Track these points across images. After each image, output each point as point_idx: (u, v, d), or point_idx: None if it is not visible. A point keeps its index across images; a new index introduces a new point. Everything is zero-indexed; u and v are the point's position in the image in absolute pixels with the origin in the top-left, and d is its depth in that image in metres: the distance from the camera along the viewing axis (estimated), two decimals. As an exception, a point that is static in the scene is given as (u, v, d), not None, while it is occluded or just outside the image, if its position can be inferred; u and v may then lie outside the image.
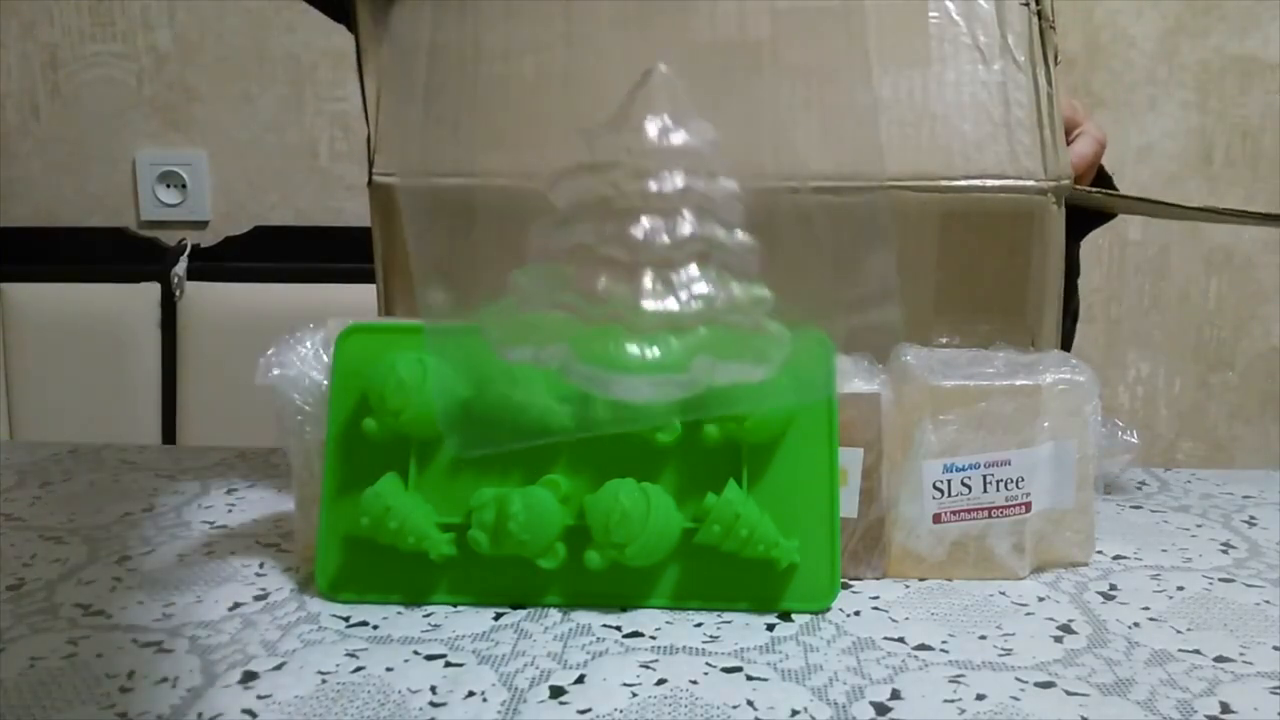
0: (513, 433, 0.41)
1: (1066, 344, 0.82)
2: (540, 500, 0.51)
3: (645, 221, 0.32)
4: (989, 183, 0.62)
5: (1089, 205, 0.71)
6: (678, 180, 0.33)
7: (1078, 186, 0.64)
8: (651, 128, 0.33)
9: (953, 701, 0.44)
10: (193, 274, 1.61)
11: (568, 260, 0.35)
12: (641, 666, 0.47)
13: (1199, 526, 0.65)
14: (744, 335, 0.35)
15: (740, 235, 0.35)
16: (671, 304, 0.32)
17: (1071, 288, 0.83)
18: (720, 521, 0.51)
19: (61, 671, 0.46)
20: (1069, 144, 0.70)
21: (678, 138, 0.34)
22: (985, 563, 0.56)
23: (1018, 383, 0.55)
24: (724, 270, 0.34)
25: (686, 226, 0.33)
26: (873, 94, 0.59)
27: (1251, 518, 0.67)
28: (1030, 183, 0.62)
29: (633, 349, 0.32)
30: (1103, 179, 0.77)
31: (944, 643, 0.49)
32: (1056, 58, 0.66)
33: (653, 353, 0.32)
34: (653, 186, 0.33)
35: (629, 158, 0.34)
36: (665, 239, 0.32)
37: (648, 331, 0.32)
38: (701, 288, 0.33)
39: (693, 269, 0.33)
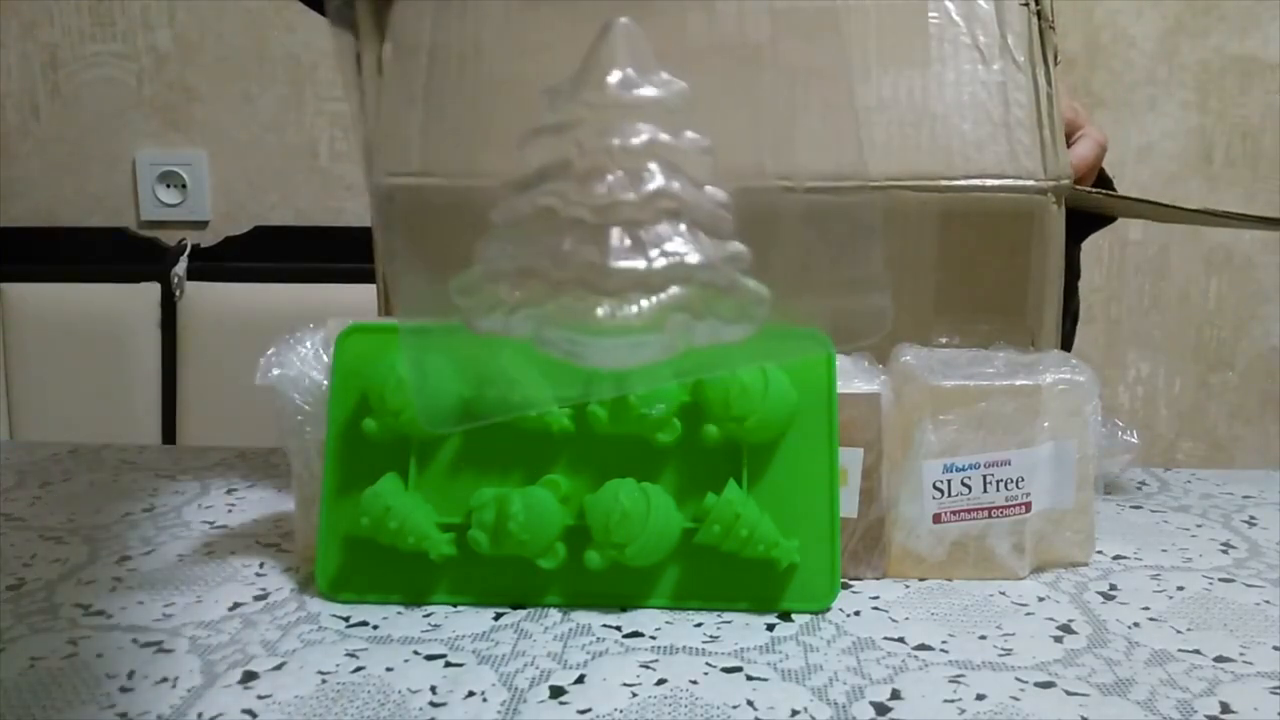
0: (499, 407, 0.40)
1: (1066, 346, 0.82)
2: (540, 500, 0.51)
3: (610, 179, 0.31)
4: (989, 182, 0.62)
5: (1088, 206, 0.71)
6: (642, 134, 0.32)
7: (1077, 187, 0.65)
8: (613, 81, 0.32)
9: (953, 701, 0.44)
10: (193, 274, 1.62)
11: (533, 224, 0.34)
12: (641, 666, 0.47)
13: (1199, 526, 0.65)
14: (720, 293, 0.33)
15: (711, 190, 0.33)
16: (640, 263, 0.31)
17: (1071, 290, 0.83)
18: (720, 521, 0.51)
19: (61, 671, 0.46)
20: (1070, 146, 0.70)
21: (642, 90, 0.32)
22: (985, 563, 0.56)
23: (1018, 383, 0.55)
24: (695, 227, 0.33)
25: (653, 182, 0.32)
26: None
27: (1251, 518, 0.67)
28: (1030, 182, 0.62)
29: (602, 310, 0.31)
30: (1103, 182, 0.77)
31: (944, 643, 0.49)
32: (1056, 58, 0.66)
33: (624, 313, 0.31)
34: (616, 142, 0.32)
35: (591, 114, 0.32)
36: (631, 195, 0.31)
37: (618, 292, 0.31)
38: (672, 245, 0.32)
39: (662, 227, 0.32)
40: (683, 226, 0.33)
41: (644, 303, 0.31)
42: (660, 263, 0.31)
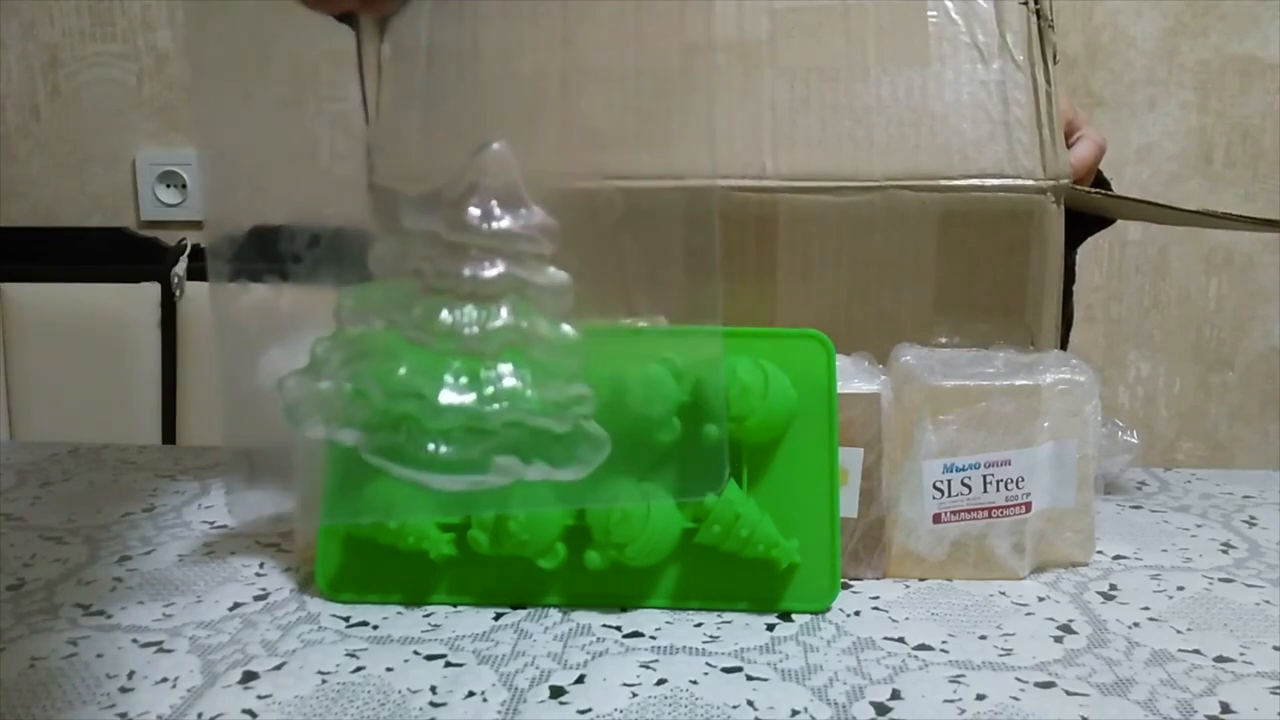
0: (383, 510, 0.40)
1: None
2: (540, 500, 0.51)
3: (456, 310, 0.30)
4: (988, 182, 0.62)
5: (1087, 207, 0.71)
6: (497, 267, 0.31)
7: (1076, 186, 0.65)
8: (474, 211, 0.31)
9: (953, 701, 0.44)
10: (193, 274, 1.61)
11: (367, 341, 0.33)
12: (641, 666, 0.47)
13: (1199, 526, 0.65)
14: (555, 438, 0.32)
15: (565, 329, 0.32)
16: (472, 400, 0.29)
17: (1066, 294, 0.82)
18: (720, 521, 0.51)
19: (61, 671, 0.46)
20: (1069, 147, 0.70)
21: (502, 223, 0.31)
22: (985, 563, 0.56)
23: (1018, 383, 0.55)
24: (539, 368, 0.32)
25: (500, 318, 0.31)
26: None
27: (1251, 518, 0.67)
28: (1029, 182, 0.62)
29: (428, 446, 0.30)
30: (1100, 183, 0.77)
31: (944, 643, 0.49)
32: (1055, 57, 0.66)
33: (445, 450, 0.29)
34: (467, 272, 0.30)
35: (446, 233, 0.31)
36: (475, 330, 0.30)
37: (444, 429, 0.30)
38: (510, 383, 0.31)
39: (504, 366, 0.30)
40: (526, 369, 0.32)
41: (467, 446, 0.30)
42: (496, 406, 0.30)
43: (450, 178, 0.31)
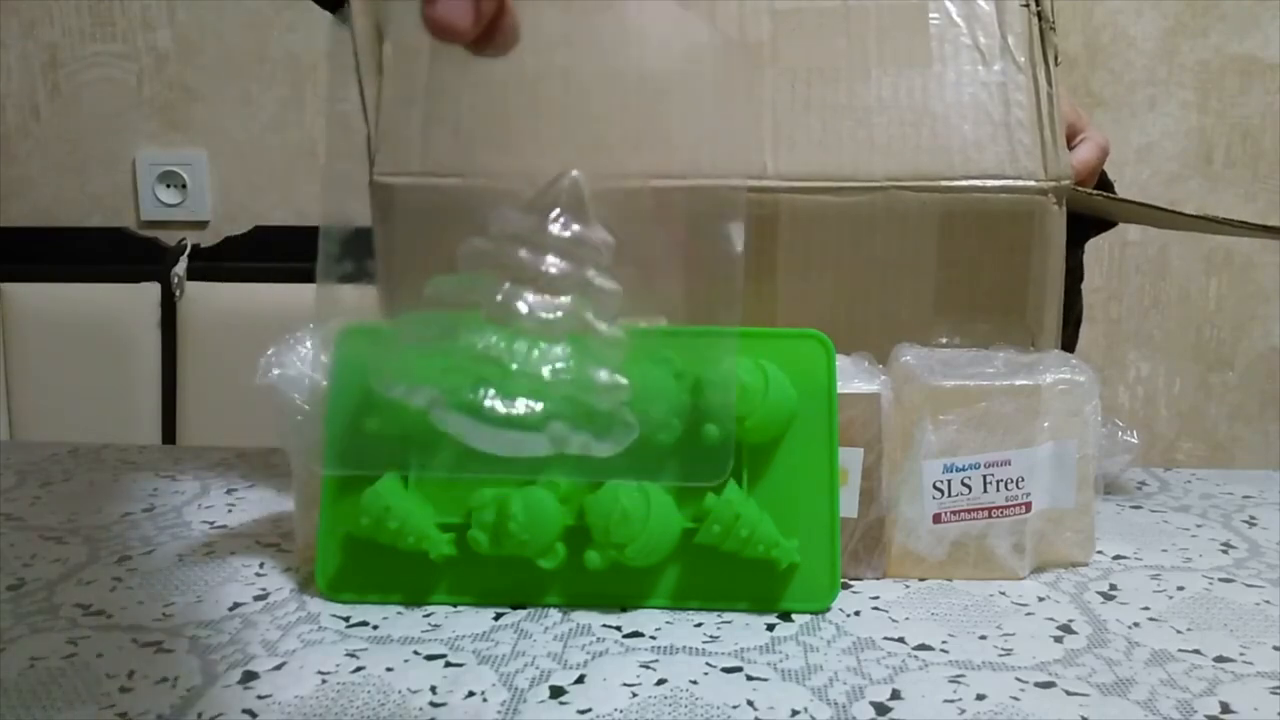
0: (390, 459, 0.45)
1: (1069, 349, 0.82)
2: (540, 500, 0.51)
3: (530, 297, 0.37)
4: (989, 183, 0.62)
5: (1087, 209, 0.71)
6: (564, 265, 0.38)
7: (1078, 188, 0.65)
8: (554, 219, 0.38)
9: (953, 701, 0.44)
10: (193, 274, 1.62)
11: (462, 308, 0.39)
12: (641, 666, 0.47)
13: (1199, 526, 0.65)
14: (598, 413, 0.39)
15: (612, 328, 0.39)
16: (539, 373, 0.36)
17: (1075, 293, 0.83)
18: (720, 521, 0.51)
19: (61, 671, 0.46)
20: (1072, 149, 0.70)
21: (572, 230, 0.39)
22: (985, 563, 0.56)
23: (1018, 383, 0.55)
24: (591, 355, 0.39)
25: (565, 308, 0.38)
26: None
27: (1251, 518, 0.67)
28: (1030, 183, 0.62)
29: (497, 405, 0.36)
30: (1104, 186, 0.77)
31: (944, 643, 0.49)
32: (1057, 58, 0.66)
33: (514, 409, 0.36)
34: (543, 267, 0.38)
35: (530, 236, 0.39)
36: (546, 315, 0.37)
37: (513, 392, 0.36)
38: (569, 362, 0.37)
39: (565, 348, 0.37)
40: (582, 355, 0.38)
41: (530, 403, 0.36)
42: (556, 378, 0.37)
43: (536, 195, 0.38)
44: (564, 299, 0.37)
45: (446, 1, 0.34)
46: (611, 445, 0.38)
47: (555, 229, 0.38)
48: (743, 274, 0.47)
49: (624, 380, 0.39)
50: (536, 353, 0.36)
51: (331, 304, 0.48)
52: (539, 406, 0.36)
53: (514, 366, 0.36)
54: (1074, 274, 0.69)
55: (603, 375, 0.38)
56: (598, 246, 0.39)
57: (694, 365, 0.50)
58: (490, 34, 0.36)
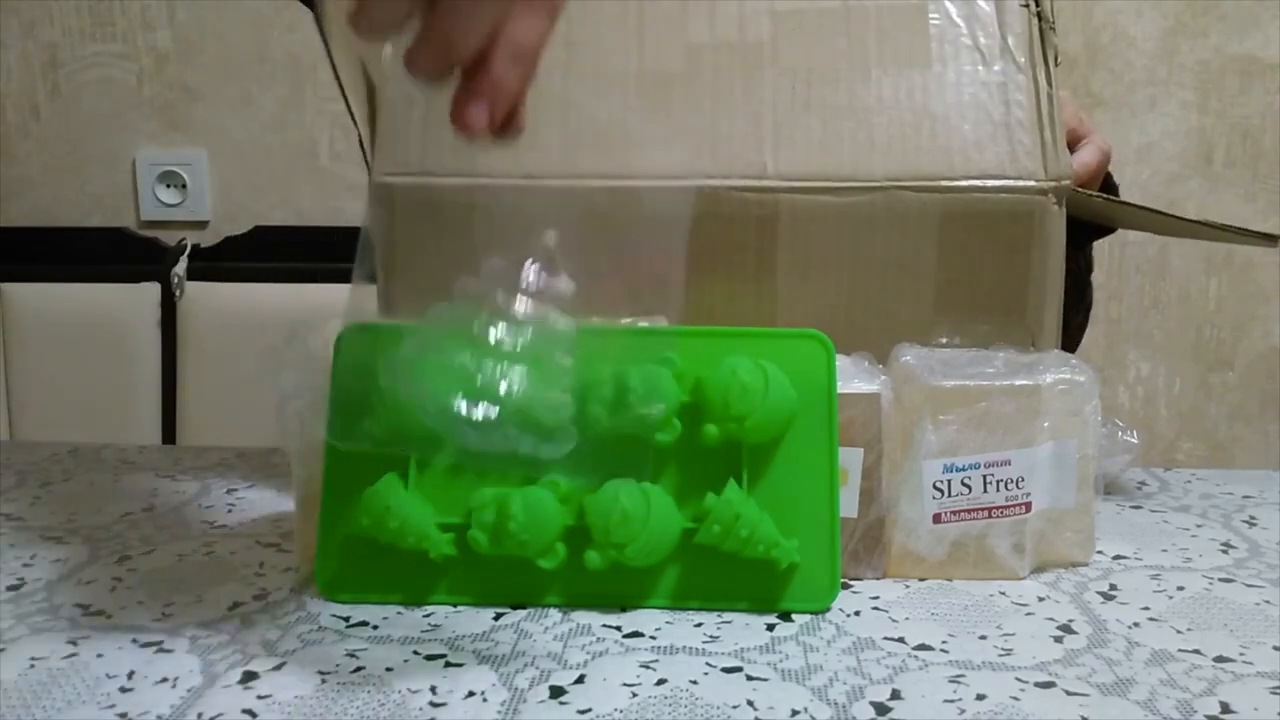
0: (398, 437, 0.49)
1: (1078, 340, 0.82)
2: (540, 500, 0.51)
3: (501, 328, 0.46)
4: (989, 183, 0.62)
5: (1087, 212, 0.71)
6: (531, 307, 0.47)
7: (1079, 190, 0.65)
8: (528, 271, 0.47)
9: (953, 701, 0.44)
10: (193, 274, 1.61)
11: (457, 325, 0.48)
12: (641, 666, 0.47)
13: (1199, 526, 0.65)
14: (543, 423, 0.46)
15: (563, 358, 0.47)
16: (499, 387, 0.44)
17: (1085, 283, 0.83)
18: (720, 521, 0.51)
19: (61, 671, 0.46)
20: (1074, 153, 0.70)
21: (542, 279, 0.47)
22: (985, 563, 0.56)
23: (1018, 383, 0.55)
24: (545, 377, 0.46)
25: (527, 337, 0.46)
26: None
27: (1251, 518, 0.67)
28: (1030, 183, 0.62)
29: (463, 407, 0.44)
30: (1109, 190, 0.77)
31: (944, 643, 0.49)
32: (1057, 58, 0.66)
33: (475, 413, 0.44)
34: (515, 307, 0.46)
35: (508, 284, 0.47)
36: (509, 343, 0.46)
37: (479, 398, 0.44)
38: (526, 380, 0.45)
39: (523, 369, 0.45)
40: (535, 375, 0.46)
41: (489, 409, 0.44)
42: (513, 389, 0.45)
43: (518, 254, 0.47)
44: (528, 332, 0.46)
45: (470, 109, 0.43)
46: (555, 449, 0.46)
47: (529, 276, 0.47)
48: (684, 275, 0.53)
49: (568, 398, 0.47)
50: (500, 371, 0.45)
51: (363, 303, 0.55)
52: (494, 413, 0.44)
53: (479, 381, 0.44)
54: (1085, 262, 0.69)
55: (551, 394, 0.46)
56: (561, 293, 0.48)
57: (630, 362, 0.53)
58: (504, 129, 0.45)
